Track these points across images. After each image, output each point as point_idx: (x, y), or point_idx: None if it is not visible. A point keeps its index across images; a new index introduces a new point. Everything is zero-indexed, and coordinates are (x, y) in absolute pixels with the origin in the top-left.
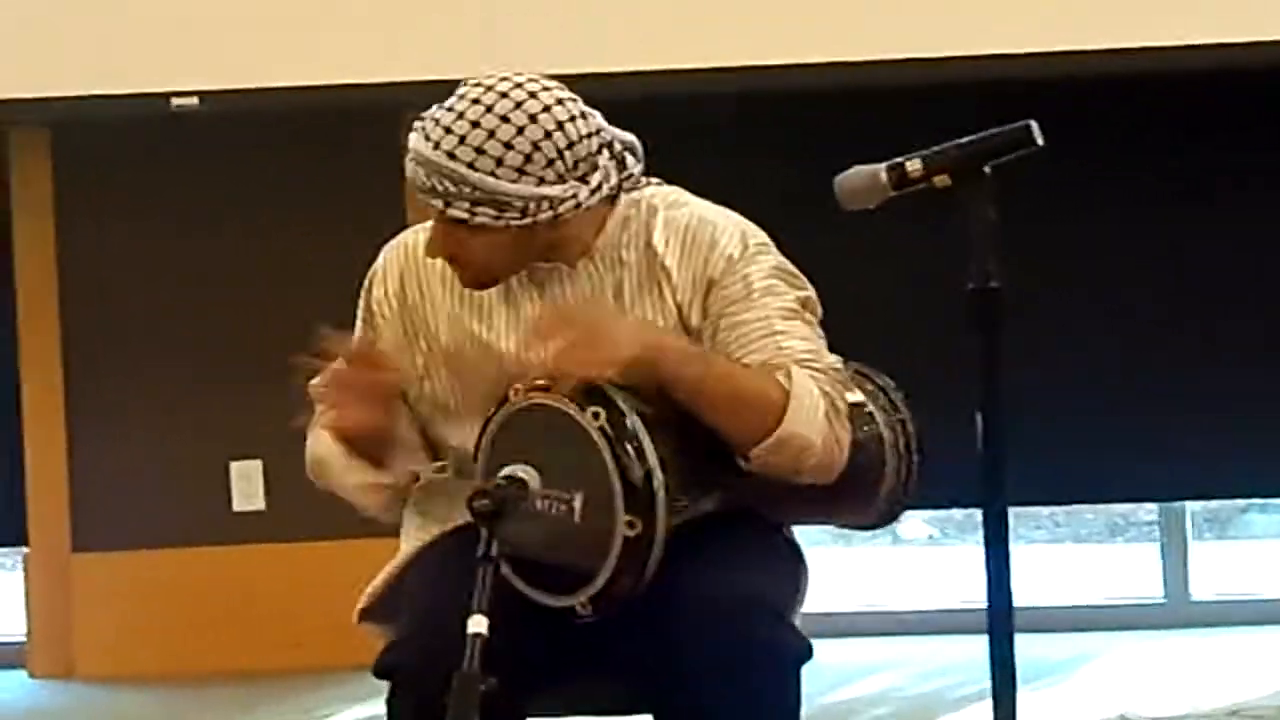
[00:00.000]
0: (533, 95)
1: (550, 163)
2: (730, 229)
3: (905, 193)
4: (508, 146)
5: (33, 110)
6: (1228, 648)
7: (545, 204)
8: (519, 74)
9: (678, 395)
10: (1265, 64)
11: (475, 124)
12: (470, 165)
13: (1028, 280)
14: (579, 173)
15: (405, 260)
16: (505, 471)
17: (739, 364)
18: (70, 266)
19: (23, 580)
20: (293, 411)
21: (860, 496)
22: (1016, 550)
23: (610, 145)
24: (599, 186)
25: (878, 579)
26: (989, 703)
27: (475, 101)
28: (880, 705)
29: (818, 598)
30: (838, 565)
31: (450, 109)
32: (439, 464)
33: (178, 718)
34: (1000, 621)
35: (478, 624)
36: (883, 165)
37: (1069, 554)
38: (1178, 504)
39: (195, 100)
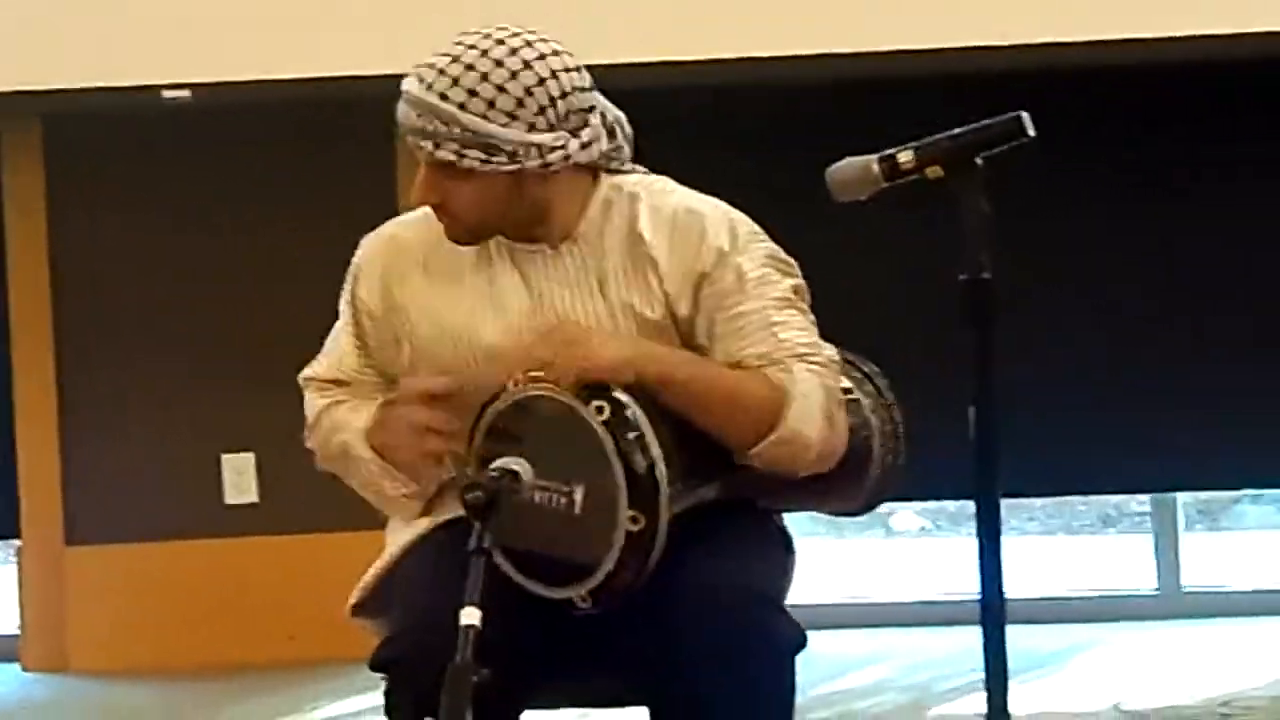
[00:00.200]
0: (528, 44)
1: (542, 110)
2: (718, 219)
3: (897, 184)
4: (500, 90)
5: (24, 103)
6: (1220, 638)
7: (534, 151)
8: (517, 26)
9: (670, 401)
10: (1255, 56)
11: (469, 67)
12: (461, 106)
13: (1019, 275)
14: (570, 124)
15: (386, 253)
16: (498, 464)
17: (733, 365)
18: (62, 259)
19: (16, 573)
20: (285, 405)
21: (849, 483)
22: (1009, 542)
23: (603, 114)
24: (589, 144)
25: (870, 570)
26: (982, 694)
27: (471, 47)
28: (872, 696)
29: (810, 589)
30: (830, 557)
31: (446, 53)
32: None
33: (172, 710)
34: (992, 613)
35: (470, 616)
36: (875, 156)
37: (1061, 545)
38: (1169, 495)
39: (187, 93)
